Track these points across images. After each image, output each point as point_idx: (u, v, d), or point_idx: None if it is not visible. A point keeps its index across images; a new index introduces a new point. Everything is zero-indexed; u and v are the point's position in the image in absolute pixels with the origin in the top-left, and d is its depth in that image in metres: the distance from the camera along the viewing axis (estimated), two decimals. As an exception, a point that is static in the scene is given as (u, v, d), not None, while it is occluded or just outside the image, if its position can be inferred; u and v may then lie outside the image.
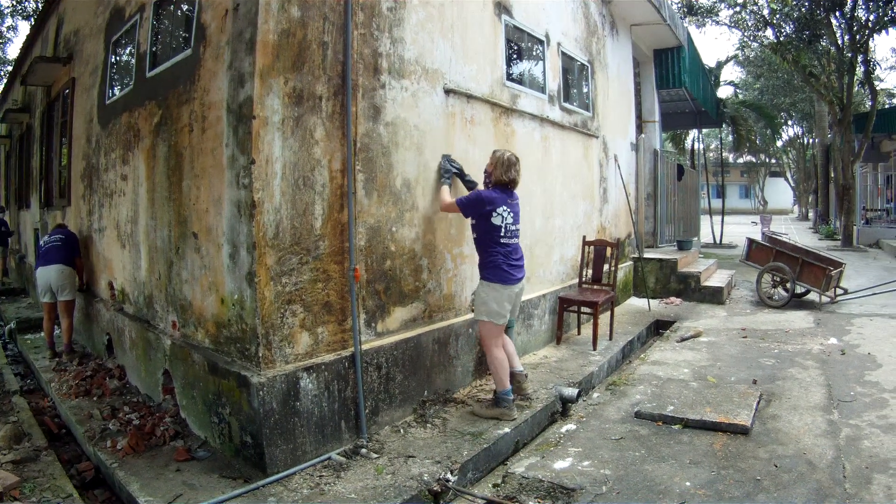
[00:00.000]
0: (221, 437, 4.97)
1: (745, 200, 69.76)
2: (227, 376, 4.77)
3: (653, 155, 13.81)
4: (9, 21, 25.20)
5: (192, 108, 5.30)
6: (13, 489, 4.47)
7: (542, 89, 8.51)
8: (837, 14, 22.03)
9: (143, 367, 6.47)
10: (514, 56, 8.13)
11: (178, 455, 4.97)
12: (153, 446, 5.20)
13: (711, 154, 42.39)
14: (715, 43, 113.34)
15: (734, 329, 9.68)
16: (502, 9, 7.41)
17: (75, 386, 6.83)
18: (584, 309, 8.65)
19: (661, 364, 7.74)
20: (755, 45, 28.84)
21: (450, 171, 6.28)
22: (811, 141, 43.70)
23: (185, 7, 5.88)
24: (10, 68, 19.64)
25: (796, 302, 11.49)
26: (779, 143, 48.71)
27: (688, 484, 4.58)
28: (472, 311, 6.68)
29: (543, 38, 8.52)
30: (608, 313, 8.92)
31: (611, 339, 8.74)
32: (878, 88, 27.43)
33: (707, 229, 24.02)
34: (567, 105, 9.25)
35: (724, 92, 30.84)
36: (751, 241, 12.41)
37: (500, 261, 5.78)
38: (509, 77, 7.61)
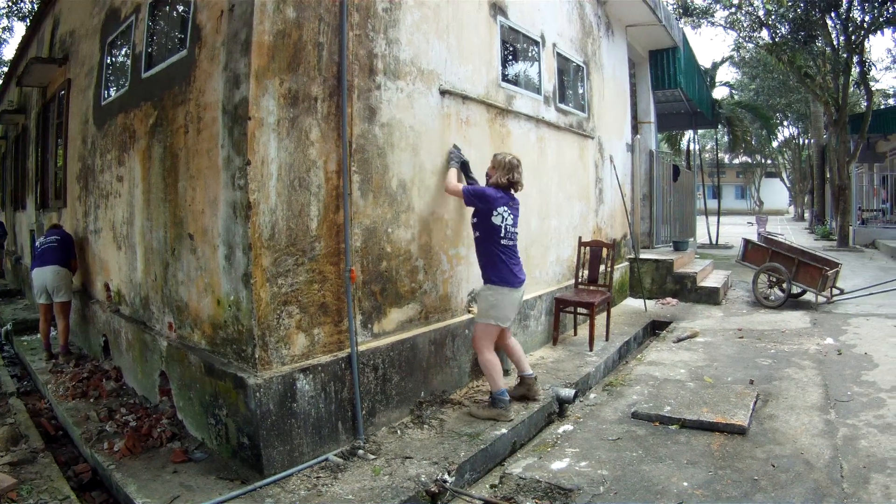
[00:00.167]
0: (218, 438, 4.97)
1: (741, 201, 69.89)
2: (224, 378, 4.76)
3: (648, 156, 13.81)
4: (4, 22, 25.21)
5: (188, 109, 5.29)
6: (10, 491, 4.47)
7: (538, 90, 8.52)
8: (833, 15, 22.09)
9: (140, 368, 6.46)
10: (510, 57, 8.13)
11: (175, 456, 4.95)
12: (150, 448, 5.19)
13: (707, 155, 42.61)
14: (710, 44, 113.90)
15: (731, 329, 9.68)
16: (497, 10, 7.42)
17: (72, 388, 6.81)
18: (580, 310, 8.65)
19: (658, 364, 7.74)
20: (750, 45, 29.00)
21: (459, 159, 6.37)
22: (807, 141, 43.80)
23: (180, 8, 5.87)
24: (5, 69, 19.62)
25: (792, 302, 11.50)
26: (774, 144, 48.89)
27: (685, 484, 4.58)
28: (469, 311, 6.70)
29: (539, 39, 8.52)
30: (604, 314, 8.93)
31: (607, 339, 8.74)
32: (873, 89, 27.49)
33: (703, 230, 24.03)
34: (562, 106, 9.25)
35: (719, 93, 30.94)
36: (747, 242, 12.41)
37: (502, 262, 5.84)
38: (505, 78, 7.61)
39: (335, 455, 4.92)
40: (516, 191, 6.03)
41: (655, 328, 10.30)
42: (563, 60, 9.37)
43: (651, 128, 14.96)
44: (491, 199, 5.80)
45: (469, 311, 6.75)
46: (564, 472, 4.86)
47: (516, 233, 5.96)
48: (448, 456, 4.98)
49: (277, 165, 4.67)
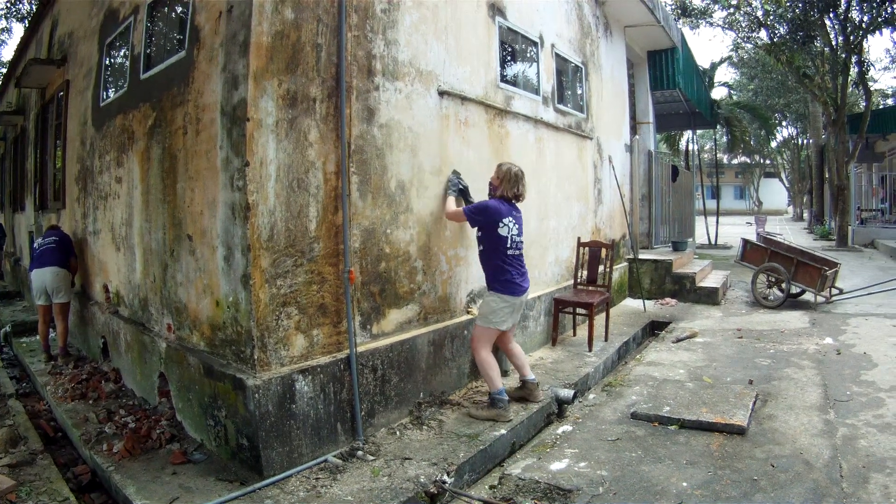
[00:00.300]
0: (217, 439, 4.97)
1: (740, 201, 69.89)
2: (223, 379, 4.76)
3: (647, 156, 13.82)
4: (3, 23, 25.18)
5: (187, 110, 5.29)
6: (9, 493, 4.46)
7: (536, 91, 8.52)
8: (831, 15, 22.08)
9: (139, 370, 6.45)
10: (508, 58, 8.13)
11: (174, 458, 4.95)
12: (149, 449, 5.19)
13: (706, 155, 42.63)
14: (709, 44, 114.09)
15: (730, 329, 9.69)
16: (496, 10, 7.42)
17: (71, 389, 6.81)
18: (579, 310, 8.65)
19: (657, 365, 7.74)
20: (749, 46, 29.00)
21: (457, 187, 6.39)
22: (805, 141, 43.84)
23: (178, 9, 5.87)
24: (4, 70, 19.62)
25: (791, 302, 11.50)
26: (773, 144, 48.90)
27: (685, 484, 4.58)
28: (468, 312, 6.71)
29: (537, 40, 8.52)
30: (603, 314, 8.93)
31: (606, 340, 8.74)
32: (872, 89, 27.51)
33: (702, 230, 24.03)
34: (561, 106, 9.25)
35: (718, 93, 30.99)
36: (746, 242, 12.40)
37: (510, 276, 5.91)
38: (503, 79, 7.61)
39: (334, 456, 4.92)
40: (519, 201, 6.06)
41: (654, 328, 10.31)
42: (561, 61, 9.38)
43: (650, 128, 14.97)
44: (495, 211, 5.85)
45: (468, 312, 6.75)
46: (563, 472, 4.86)
47: (521, 241, 6.03)
48: (447, 457, 4.98)
49: (276, 166, 4.67)
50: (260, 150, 4.55)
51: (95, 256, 7.96)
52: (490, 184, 6.16)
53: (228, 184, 4.69)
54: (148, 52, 6.26)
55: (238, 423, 4.67)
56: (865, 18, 21.95)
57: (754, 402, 6.12)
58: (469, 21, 6.88)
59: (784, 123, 44.45)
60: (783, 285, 11.40)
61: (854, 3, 21.72)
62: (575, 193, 9.71)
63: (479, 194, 6.58)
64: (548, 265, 8.79)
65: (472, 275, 6.84)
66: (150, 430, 5.46)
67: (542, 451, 5.32)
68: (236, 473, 4.66)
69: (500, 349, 6.41)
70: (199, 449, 5.12)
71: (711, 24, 25.79)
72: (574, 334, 9.09)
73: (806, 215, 43.30)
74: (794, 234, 30.16)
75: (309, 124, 4.90)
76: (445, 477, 4.65)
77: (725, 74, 60.79)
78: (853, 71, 24.09)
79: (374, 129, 5.52)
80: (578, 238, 9.34)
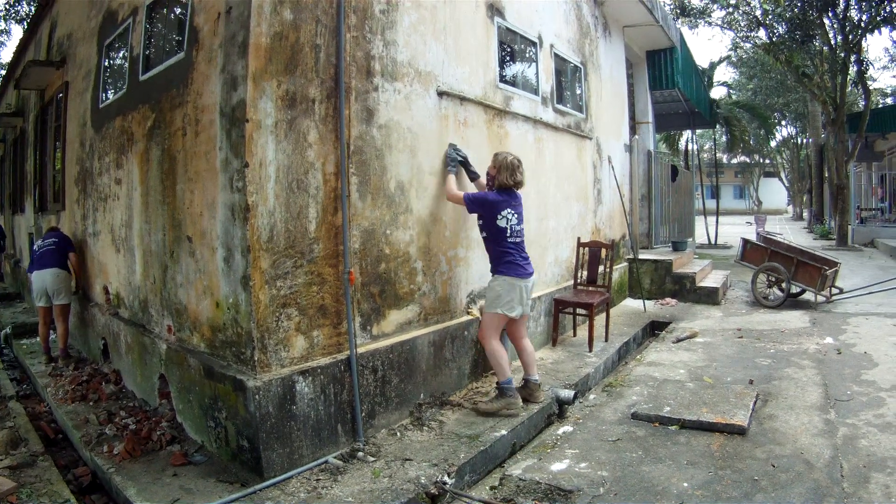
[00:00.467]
0: (218, 441, 4.96)
1: (740, 201, 69.87)
2: (223, 380, 4.76)
3: (647, 156, 13.82)
4: (2, 25, 25.12)
5: (186, 111, 5.29)
6: (10, 494, 4.46)
7: (536, 91, 8.52)
8: (830, 14, 22.09)
9: (139, 371, 6.45)
10: (507, 58, 8.13)
11: (174, 459, 4.95)
12: (150, 451, 5.18)
13: (705, 155, 42.64)
14: (708, 44, 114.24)
15: (730, 329, 9.68)
16: (495, 11, 7.42)
17: (71, 391, 6.81)
18: (579, 310, 8.65)
19: (658, 365, 7.74)
20: (748, 45, 28.99)
21: (455, 160, 6.40)
22: (805, 141, 43.84)
23: (177, 10, 5.87)
24: (3, 72, 19.60)
25: (792, 302, 11.50)
26: (772, 144, 48.87)
27: (685, 485, 4.58)
28: (468, 313, 6.71)
29: (536, 40, 8.52)
30: (604, 315, 8.93)
31: (606, 340, 8.74)
32: (871, 88, 27.49)
33: (702, 230, 24.04)
34: (560, 107, 9.25)
35: (717, 93, 31.02)
36: (745, 242, 12.40)
37: (512, 258, 6.00)
38: (502, 79, 7.61)
39: (335, 457, 4.92)
40: (518, 189, 6.09)
41: (655, 329, 10.31)
42: (560, 61, 9.38)
43: (649, 128, 14.98)
44: (493, 204, 5.94)
45: (468, 313, 6.75)
46: (564, 473, 4.85)
47: (522, 229, 6.11)
48: (448, 457, 4.97)
49: (275, 167, 4.66)
50: (259, 152, 4.55)
51: (95, 258, 7.96)
52: (487, 174, 6.21)
53: (228, 185, 4.69)
54: (147, 53, 6.26)
55: (238, 425, 4.67)
56: (864, 17, 21.96)
57: (755, 402, 6.12)
58: (468, 21, 6.88)
59: (783, 123, 44.46)
60: (783, 285, 11.40)
61: (853, 2, 21.74)
62: (574, 193, 9.71)
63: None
64: (547, 265, 8.79)
65: (472, 275, 6.84)
66: (150, 432, 5.45)
67: (542, 452, 5.32)
68: (237, 475, 4.66)
69: (511, 343, 6.41)
70: (200, 450, 5.12)
71: (710, 24, 25.82)
72: (574, 335, 9.08)
73: (805, 215, 43.30)
74: (793, 233, 30.17)
75: (308, 125, 4.90)
76: (446, 478, 4.65)
77: (724, 74, 60.84)
78: (852, 70, 24.09)
79: (373, 129, 5.52)
80: (578, 238, 9.33)
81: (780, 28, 23.12)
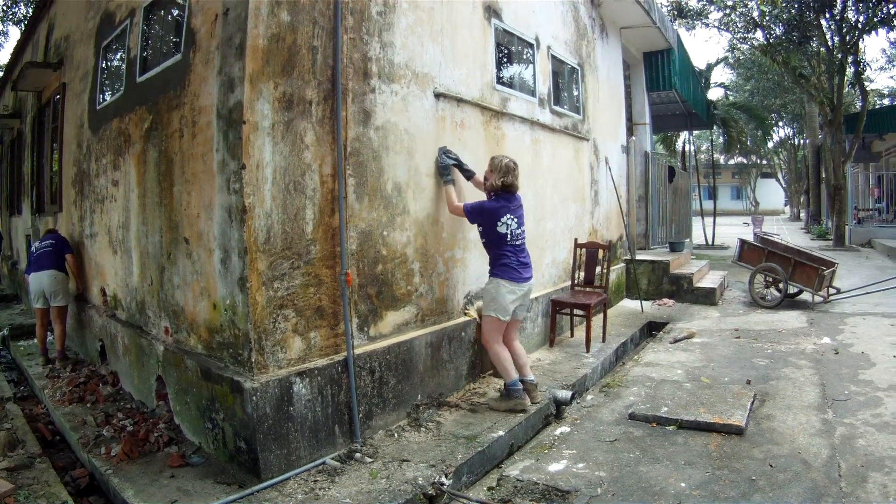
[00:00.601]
0: (215, 442, 4.96)
1: (737, 201, 69.84)
2: (221, 382, 4.76)
3: (644, 157, 13.82)
4: (-1, 26, 25.11)
5: (183, 113, 5.29)
6: (7, 496, 4.46)
7: (533, 92, 8.53)
8: (827, 15, 22.10)
9: (137, 373, 6.45)
10: (504, 59, 8.14)
11: (172, 461, 4.95)
12: (147, 452, 5.19)
13: (702, 156, 42.66)
14: (705, 45, 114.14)
15: (727, 330, 9.69)
16: (492, 12, 7.42)
17: (69, 392, 6.81)
18: (576, 311, 8.67)
19: (655, 365, 7.75)
20: (745, 46, 28.98)
21: (448, 165, 6.38)
22: (802, 142, 43.88)
23: (175, 12, 5.87)
24: (0, 74, 19.58)
25: (789, 302, 11.51)
26: (770, 145, 48.82)
27: (683, 485, 4.59)
28: (466, 314, 6.72)
29: (533, 42, 8.53)
30: (601, 315, 8.93)
31: (604, 341, 8.74)
32: (868, 89, 27.49)
33: (699, 231, 24.04)
34: (557, 108, 9.26)
35: (714, 94, 31.07)
36: (743, 242, 12.41)
37: (509, 261, 6.04)
38: (499, 80, 7.62)
39: (332, 458, 4.91)
40: (513, 192, 6.08)
41: (652, 329, 10.32)
42: (557, 63, 9.39)
43: (646, 129, 14.99)
44: (492, 212, 5.99)
45: (465, 314, 6.75)
46: (562, 473, 4.86)
47: (522, 232, 6.16)
48: (445, 458, 4.97)
49: (272, 169, 4.67)
50: (256, 153, 4.55)
51: (92, 260, 7.96)
52: (484, 177, 6.24)
53: (225, 187, 4.69)
54: (144, 55, 6.26)
55: (236, 426, 4.67)
56: (861, 18, 21.97)
57: (752, 402, 6.13)
58: (465, 23, 6.89)
59: (780, 124, 44.46)
60: (780, 285, 11.41)
61: (850, 4, 21.74)
62: (571, 195, 9.72)
63: (477, 195, 6.61)
64: (545, 266, 8.80)
65: (470, 276, 6.84)
66: (148, 434, 5.45)
67: (540, 453, 5.32)
68: (234, 476, 4.65)
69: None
70: (198, 452, 5.12)
71: (707, 26, 25.78)
72: (572, 335, 9.09)
73: (803, 215, 43.29)
74: (791, 234, 30.18)
75: (305, 127, 4.90)
76: (443, 479, 4.65)
77: (721, 75, 60.98)
78: (849, 71, 24.09)
79: (370, 131, 5.52)
80: (575, 239, 9.34)
81: (777, 29, 23.14)
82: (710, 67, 28.89)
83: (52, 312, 8.19)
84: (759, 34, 24.46)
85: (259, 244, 4.58)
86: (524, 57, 8.57)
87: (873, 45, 60.69)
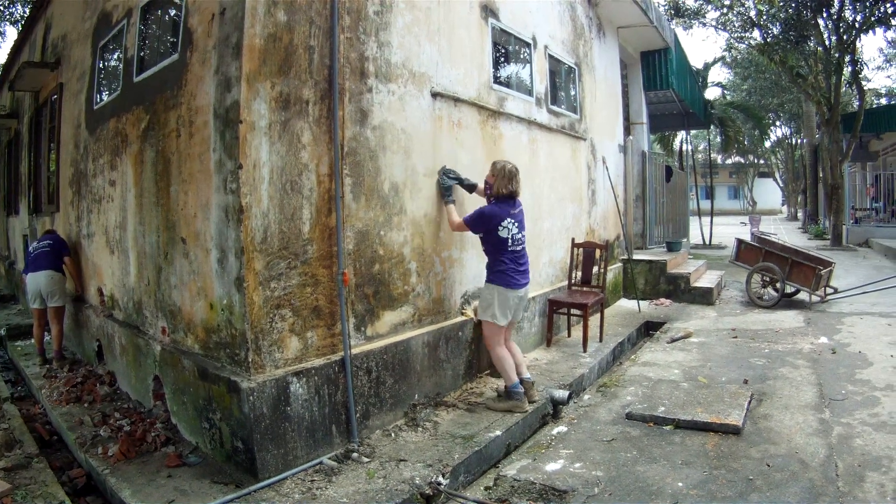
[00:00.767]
0: (212, 442, 4.96)
1: (734, 201, 69.86)
2: (218, 382, 4.76)
3: (641, 156, 13.83)
4: (-4, 27, 25.06)
5: (180, 112, 5.29)
6: (5, 496, 4.46)
7: (530, 92, 8.53)
8: (824, 15, 22.10)
9: (134, 373, 6.44)
10: (502, 59, 8.14)
11: (169, 461, 4.95)
12: (144, 452, 5.18)
13: (700, 155, 42.56)
14: (702, 44, 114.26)
15: (724, 329, 9.70)
16: (489, 12, 7.42)
17: (66, 392, 6.80)
18: (573, 311, 8.67)
19: (652, 365, 7.76)
20: (742, 46, 28.97)
21: (449, 186, 6.44)
22: (799, 141, 43.85)
23: (171, 12, 5.87)
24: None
25: (786, 301, 11.52)
26: (767, 144, 48.93)
27: (680, 484, 4.59)
28: (463, 314, 6.73)
29: (530, 41, 8.53)
30: (598, 315, 8.92)
31: (601, 340, 8.74)
32: (865, 88, 27.55)
33: (696, 230, 24.05)
34: (554, 108, 9.26)
35: (711, 93, 31.01)
36: (740, 242, 12.43)
37: (507, 267, 6.06)
38: (496, 80, 7.62)
39: (329, 458, 4.91)
40: (514, 198, 6.12)
41: (649, 329, 10.32)
42: (554, 62, 9.39)
43: (643, 129, 14.97)
44: (493, 217, 6.00)
45: (462, 314, 6.75)
46: (559, 473, 4.86)
47: (523, 237, 6.19)
48: (442, 458, 4.98)
49: (269, 169, 4.66)
50: (253, 153, 4.55)
51: (90, 260, 7.95)
52: (486, 182, 6.23)
53: (222, 186, 4.69)
54: (141, 54, 6.26)
55: (233, 426, 4.67)
56: (858, 18, 21.99)
57: (749, 402, 6.14)
58: (462, 22, 6.89)
59: (778, 123, 44.49)
60: (778, 285, 11.43)
61: (847, 3, 21.75)
62: (569, 194, 9.72)
63: (476, 197, 6.62)
64: (542, 266, 8.80)
65: (467, 276, 6.84)
66: (145, 433, 5.45)
67: (537, 452, 5.33)
68: (231, 476, 4.65)
69: None
70: (195, 452, 5.11)
71: (704, 25, 25.82)
72: (569, 335, 9.09)
73: (800, 215, 43.31)
74: (788, 233, 30.21)
75: (302, 126, 4.90)
76: (440, 478, 4.65)
77: (719, 74, 60.72)
78: (846, 70, 24.12)
79: (367, 130, 5.52)
80: (573, 239, 9.35)
81: (774, 29, 23.14)
82: (707, 67, 28.83)
83: (49, 313, 8.18)
84: (756, 33, 24.48)
85: (256, 244, 4.58)
86: (521, 56, 8.57)
87: (870, 45, 60.79)
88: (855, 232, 23.32)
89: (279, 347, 4.77)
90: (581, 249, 9.16)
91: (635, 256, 12.59)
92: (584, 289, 8.98)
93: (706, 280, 13.05)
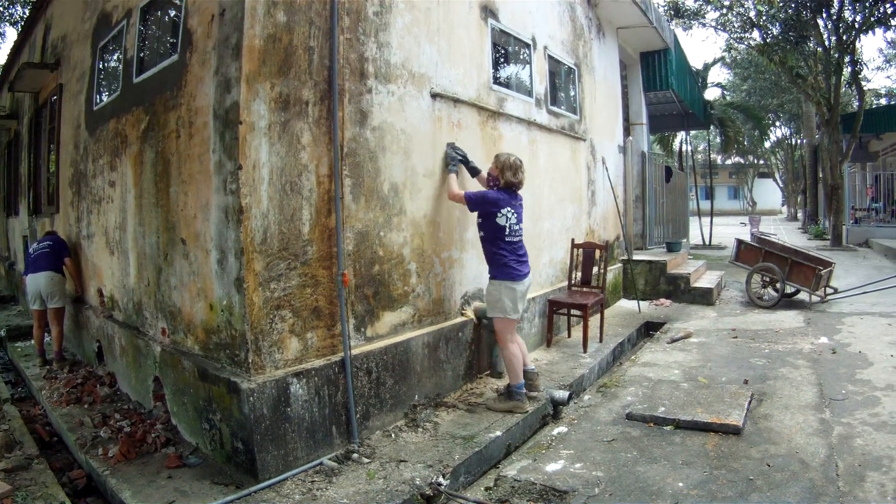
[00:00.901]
0: (213, 443, 4.96)
1: (734, 201, 69.88)
2: (218, 382, 4.75)
3: (641, 157, 13.83)
4: (-4, 27, 25.06)
5: (179, 113, 5.29)
6: (5, 497, 4.45)
7: (529, 93, 8.53)
8: (824, 15, 22.11)
9: (134, 374, 6.44)
10: (501, 60, 8.14)
11: (169, 462, 4.95)
12: (145, 453, 5.18)
13: (699, 156, 42.54)
14: (702, 45, 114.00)
15: (724, 330, 9.70)
16: (488, 12, 7.42)
17: (66, 393, 6.80)
18: (573, 311, 8.66)
19: (652, 365, 7.76)
20: (742, 46, 28.96)
21: (455, 159, 6.47)
22: (799, 141, 43.87)
23: (171, 13, 5.87)
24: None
25: (786, 302, 11.52)
26: (767, 144, 48.92)
27: (680, 485, 4.59)
28: (463, 314, 6.72)
29: (530, 42, 8.53)
30: (598, 315, 8.92)
31: (601, 341, 8.74)
32: (865, 89, 27.57)
33: (696, 231, 24.06)
34: (554, 108, 9.26)
35: (711, 94, 30.99)
36: (740, 242, 12.43)
37: (507, 259, 6.05)
38: (496, 81, 7.62)
39: (329, 459, 4.91)
40: (518, 189, 6.17)
41: (649, 329, 10.32)
42: (554, 63, 9.39)
43: (643, 129, 14.97)
44: (494, 201, 6.01)
45: (462, 314, 6.75)
46: (559, 473, 4.86)
47: (521, 229, 6.19)
48: (442, 459, 4.97)
49: (269, 170, 4.66)
50: (252, 154, 4.55)
51: (90, 260, 7.95)
52: (489, 174, 6.26)
53: (221, 187, 4.69)
54: (141, 55, 6.25)
55: (233, 427, 4.67)
56: (858, 18, 22.00)
57: (749, 402, 6.14)
58: (461, 23, 6.89)
59: (777, 124, 44.48)
60: (778, 285, 11.43)
61: (847, 3, 21.75)
62: (568, 195, 9.72)
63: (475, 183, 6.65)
64: (542, 266, 8.80)
65: (467, 277, 6.84)
66: (145, 434, 5.45)
67: (537, 453, 5.33)
68: (232, 477, 4.65)
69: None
70: (195, 453, 5.11)
71: (704, 25, 25.78)
72: (569, 336, 9.08)
73: (800, 215, 43.32)
74: (788, 233, 30.22)
75: (301, 127, 4.90)
76: (441, 479, 4.65)
77: (718, 75, 60.64)
78: (846, 71, 24.14)
79: (366, 131, 5.52)
80: (572, 239, 9.35)
81: (773, 29, 23.14)
82: (706, 67, 28.83)
83: (50, 314, 8.18)
84: (755, 34, 24.46)
85: (255, 245, 4.58)
86: (521, 57, 8.57)
87: (870, 45, 60.77)
88: (855, 232, 23.33)
89: (279, 348, 4.76)
90: (581, 250, 9.16)
91: (635, 257, 12.59)
92: (584, 289, 8.98)
93: (706, 280, 13.05)
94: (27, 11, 18.44)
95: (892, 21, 21.28)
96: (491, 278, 6.15)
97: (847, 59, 23.06)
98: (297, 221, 4.88)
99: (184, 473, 4.80)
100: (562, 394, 6.37)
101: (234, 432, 4.67)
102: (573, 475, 4.82)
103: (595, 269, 9.01)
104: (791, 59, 23.48)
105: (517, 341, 6.36)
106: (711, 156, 38.79)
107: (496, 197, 6.02)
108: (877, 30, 22.17)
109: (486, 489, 4.83)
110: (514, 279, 6.05)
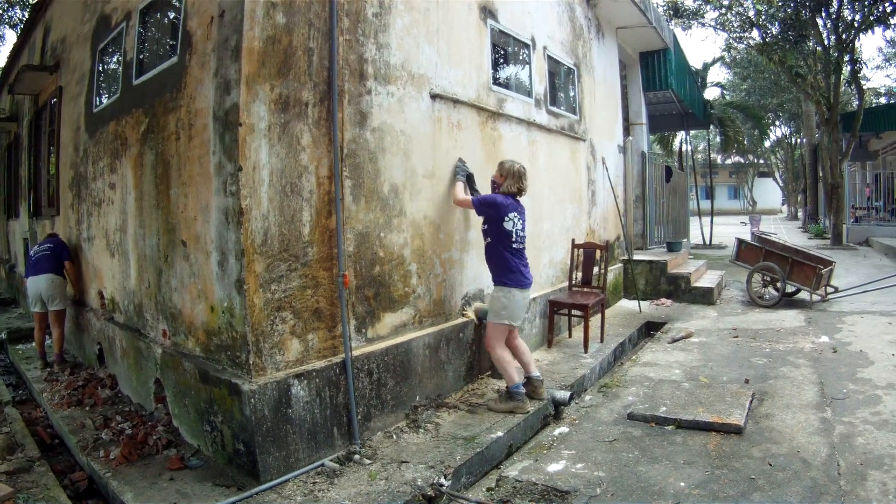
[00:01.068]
0: (214, 445, 4.96)
1: (734, 201, 69.87)
2: (219, 384, 4.75)
3: (640, 157, 13.84)
4: (-5, 30, 25.06)
5: (179, 115, 5.29)
6: (7, 500, 4.44)
7: (529, 93, 8.53)
8: (823, 14, 22.12)
9: (135, 376, 6.44)
10: (500, 60, 8.14)
11: (171, 464, 4.95)
12: (146, 455, 5.18)
13: (699, 155, 42.59)
14: (701, 45, 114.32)
15: (725, 329, 9.70)
16: (488, 13, 7.42)
17: (67, 396, 6.80)
18: (574, 312, 8.66)
19: (653, 365, 7.75)
20: (741, 46, 28.98)
21: (464, 172, 6.59)
22: (799, 141, 43.85)
23: (171, 15, 5.87)
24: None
25: (787, 301, 11.53)
26: (767, 144, 48.90)
27: (682, 484, 4.59)
28: (463, 315, 6.72)
29: (529, 42, 8.53)
30: (599, 316, 8.92)
31: (602, 341, 8.74)
32: (864, 87, 27.60)
33: (696, 230, 24.05)
34: (554, 108, 9.26)
35: (711, 93, 31.00)
36: (740, 242, 12.43)
37: (514, 266, 6.10)
38: (495, 81, 7.62)
39: (331, 460, 4.91)
40: (521, 195, 6.24)
41: (650, 329, 10.32)
42: (553, 63, 9.39)
43: (643, 129, 14.97)
44: (502, 205, 6.06)
45: (463, 315, 6.75)
46: (561, 474, 4.86)
47: (525, 236, 6.22)
48: (444, 459, 4.97)
49: (269, 171, 4.66)
50: (252, 155, 4.55)
51: (90, 263, 7.94)
52: (493, 181, 6.36)
53: (221, 189, 4.69)
54: (140, 57, 6.25)
55: (234, 429, 4.67)
56: (857, 17, 22.00)
57: (751, 402, 6.14)
58: (461, 24, 6.89)
59: (777, 123, 44.49)
60: (778, 284, 11.43)
61: (846, 2, 21.76)
62: (569, 195, 9.72)
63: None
64: (542, 267, 8.79)
65: (467, 277, 6.84)
66: (146, 436, 5.44)
67: (538, 453, 5.33)
68: (233, 478, 4.65)
69: (507, 345, 6.43)
70: (196, 454, 5.11)
71: (703, 25, 25.80)
72: (570, 336, 9.08)
73: (800, 214, 43.34)
74: (788, 233, 30.21)
75: (301, 129, 4.90)
76: (442, 480, 4.65)
77: (718, 75, 60.69)
78: (846, 70, 24.15)
79: (366, 132, 5.52)
80: (573, 240, 9.35)
81: (773, 28, 23.16)
82: (706, 67, 28.83)
83: (50, 316, 8.18)
84: (755, 33, 24.49)
85: (256, 246, 4.58)
86: (520, 58, 8.57)
87: (869, 44, 60.74)
88: (855, 231, 23.34)
89: (280, 350, 4.76)
90: (581, 250, 9.16)
91: (636, 257, 12.60)
92: (585, 289, 8.98)
93: (707, 280, 13.05)
94: (26, 14, 18.45)
95: (891, 20, 21.30)
96: (497, 284, 6.16)
97: (846, 58, 23.08)
98: (297, 223, 4.88)
99: (185, 475, 4.79)
100: (563, 394, 6.37)
101: (235, 434, 4.67)
102: (575, 475, 4.82)
103: (595, 270, 9.01)
104: (790, 59, 23.49)
105: (521, 347, 6.40)
106: (711, 155, 38.82)
107: (503, 201, 6.06)
108: (876, 28, 22.19)
109: (488, 490, 4.82)
110: (522, 286, 6.10)
